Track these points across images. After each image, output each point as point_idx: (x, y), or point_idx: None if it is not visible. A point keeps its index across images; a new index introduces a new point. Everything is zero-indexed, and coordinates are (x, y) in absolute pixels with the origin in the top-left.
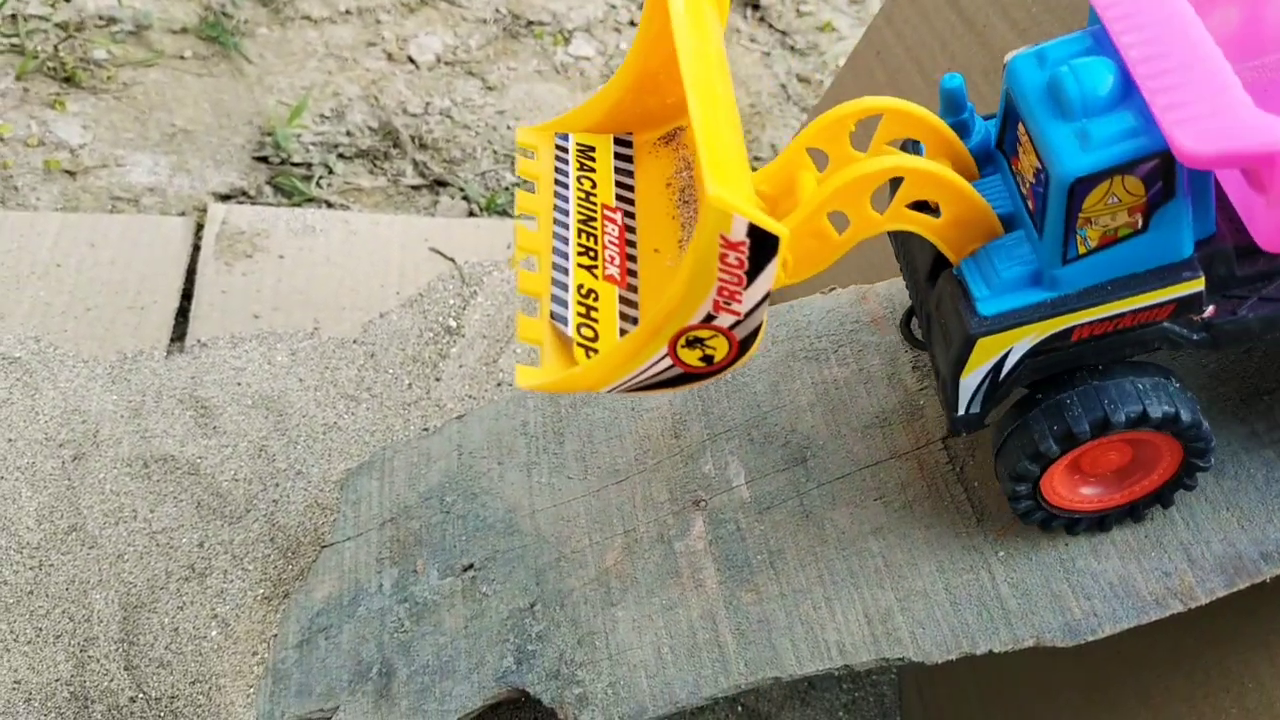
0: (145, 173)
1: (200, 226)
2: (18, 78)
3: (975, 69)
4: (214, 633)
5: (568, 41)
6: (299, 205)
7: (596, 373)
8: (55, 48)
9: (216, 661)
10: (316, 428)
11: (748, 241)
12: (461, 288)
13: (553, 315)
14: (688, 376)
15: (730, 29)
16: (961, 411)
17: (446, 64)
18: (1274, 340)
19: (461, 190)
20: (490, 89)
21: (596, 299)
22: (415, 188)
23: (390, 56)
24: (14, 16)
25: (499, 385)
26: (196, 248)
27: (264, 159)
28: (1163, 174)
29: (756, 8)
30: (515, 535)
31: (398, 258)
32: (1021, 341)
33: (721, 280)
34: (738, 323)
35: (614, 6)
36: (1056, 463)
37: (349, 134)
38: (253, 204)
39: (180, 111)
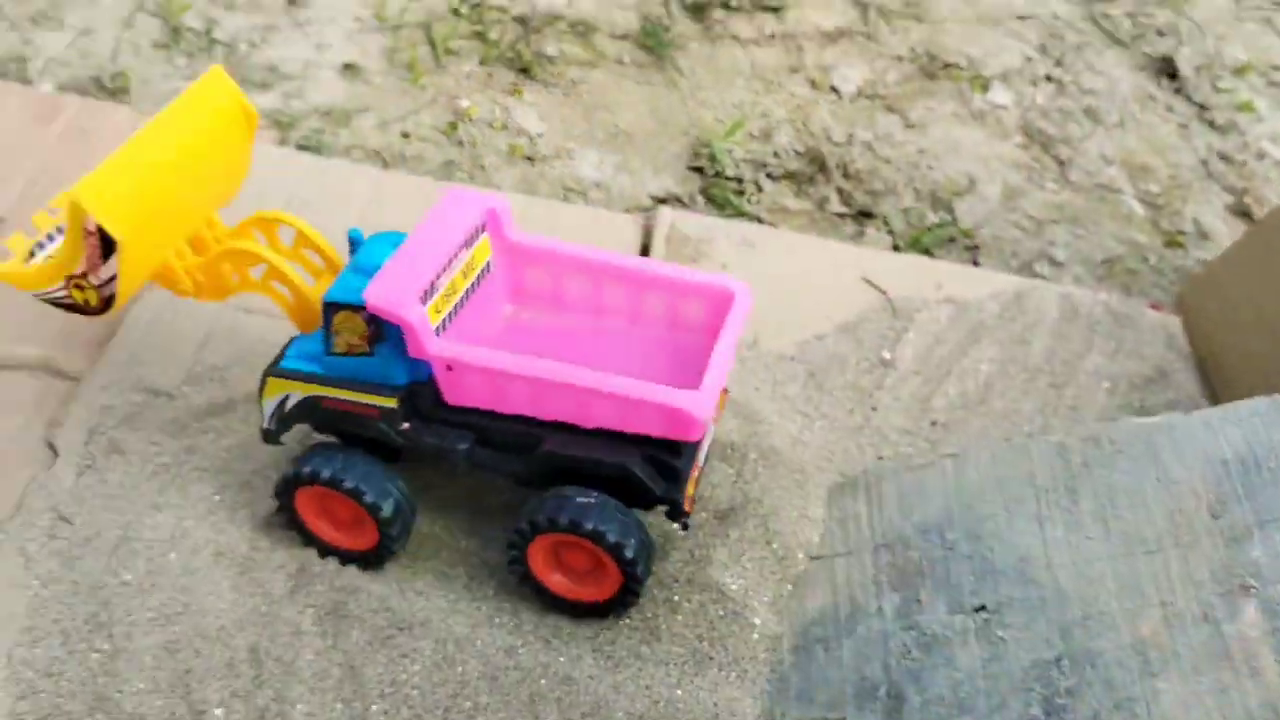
0: (592, 167)
1: (649, 226)
2: (481, 63)
3: None
4: (719, 623)
5: (985, 89)
6: (730, 217)
7: (28, 278)
8: (514, 41)
9: (728, 649)
10: (784, 439)
11: (97, 233)
12: (893, 321)
13: (38, 244)
14: (78, 308)
15: (1144, 95)
16: (265, 425)
17: (867, 97)
18: (446, 462)
19: (886, 223)
20: (910, 126)
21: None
22: (840, 215)
23: (814, 84)
24: (477, 5)
25: (933, 425)
26: (645, 246)
27: (698, 169)
28: (376, 322)
29: (1173, 77)
30: (1031, 585)
31: (830, 282)
32: (295, 392)
33: (88, 252)
34: (101, 285)
35: (1030, 59)
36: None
37: (776, 155)
38: (693, 211)
39: (621, 114)
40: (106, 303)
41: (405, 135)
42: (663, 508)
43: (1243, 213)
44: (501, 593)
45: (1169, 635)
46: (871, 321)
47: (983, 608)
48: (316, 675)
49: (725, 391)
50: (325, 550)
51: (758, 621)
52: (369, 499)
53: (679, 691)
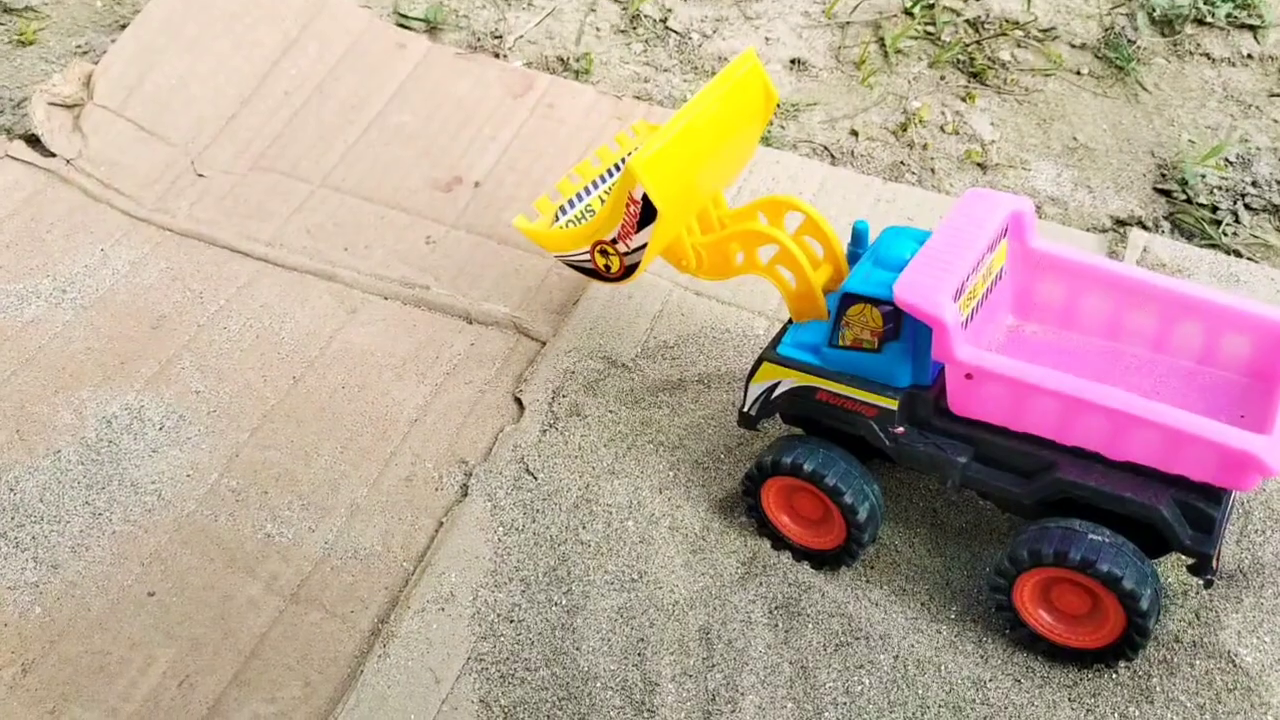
0: (1048, 181)
1: (1114, 246)
2: (931, 65)
3: None
4: (1226, 696)
5: None
6: (1203, 247)
7: (555, 240)
8: (966, 44)
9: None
10: None
11: (640, 203)
12: None
13: (561, 208)
14: (596, 274)
15: None
16: (746, 409)
17: None
18: (936, 473)
19: None
20: None
21: (586, 218)
22: None
23: None
24: (930, 6)
25: None
26: None
27: (1165, 192)
28: (894, 318)
29: None
30: None
31: None
32: (788, 380)
33: (625, 220)
34: (628, 253)
35: None
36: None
37: (1255, 185)
38: (1169, 238)
39: (1080, 127)
40: (628, 270)
41: (854, 133)
42: (1181, 559)
43: None
44: (965, 619)
45: None
46: None
47: None
48: (768, 669)
49: None
50: (780, 543)
51: (1274, 702)
52: (847, 499)
53: None
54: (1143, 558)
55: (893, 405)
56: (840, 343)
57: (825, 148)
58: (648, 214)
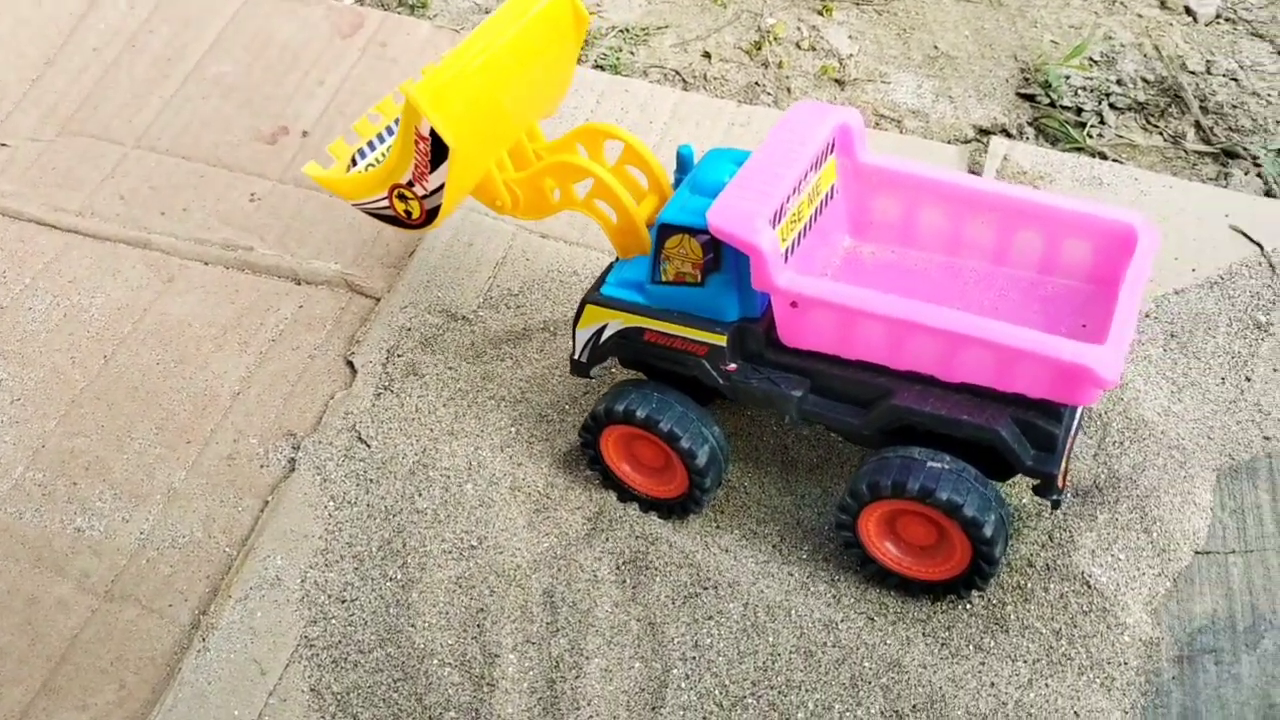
0: (909, 93)
1: (975, 157)
2: None
3: None
4: (1081, 619)
5: None
6: (1068, 152)
7: (349, 187)
8: None
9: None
10: (1154, 409)
11: (429, 139)
12: (1271, 279)
13: (360, 151)
14: (398, 220)
15: None
16: (576, 356)
17: (1228, 20)
18: (771, 411)
19: (1256, 165)
20: None
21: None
22: (1199, 154)
23: (1164, 4)
24: None
25: None
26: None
27: (1029, 97)
28: (714, 248)
29: None
30: None
31: (1192, 229)
32: (614, 321)
33: (417, 160)
34: (426, 195)
35: None
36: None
37: (1120, 83)
38: (1030, 143)
39: (941, 35)
40: (429, 215)
41: (706, 55)
42: (1023, 480)
43: None
44: (817, 558)
45: None
46: (1244, 277)
47: None
48: (614, 629)
49: None
50: (626, 495)
51: (1130, 621)
52: (684, 444)
53: (1030, 693)
54: (986, 483)
55: (721, 341)
56: (663, 278)
57: (677, 72)
58: (439, 151)
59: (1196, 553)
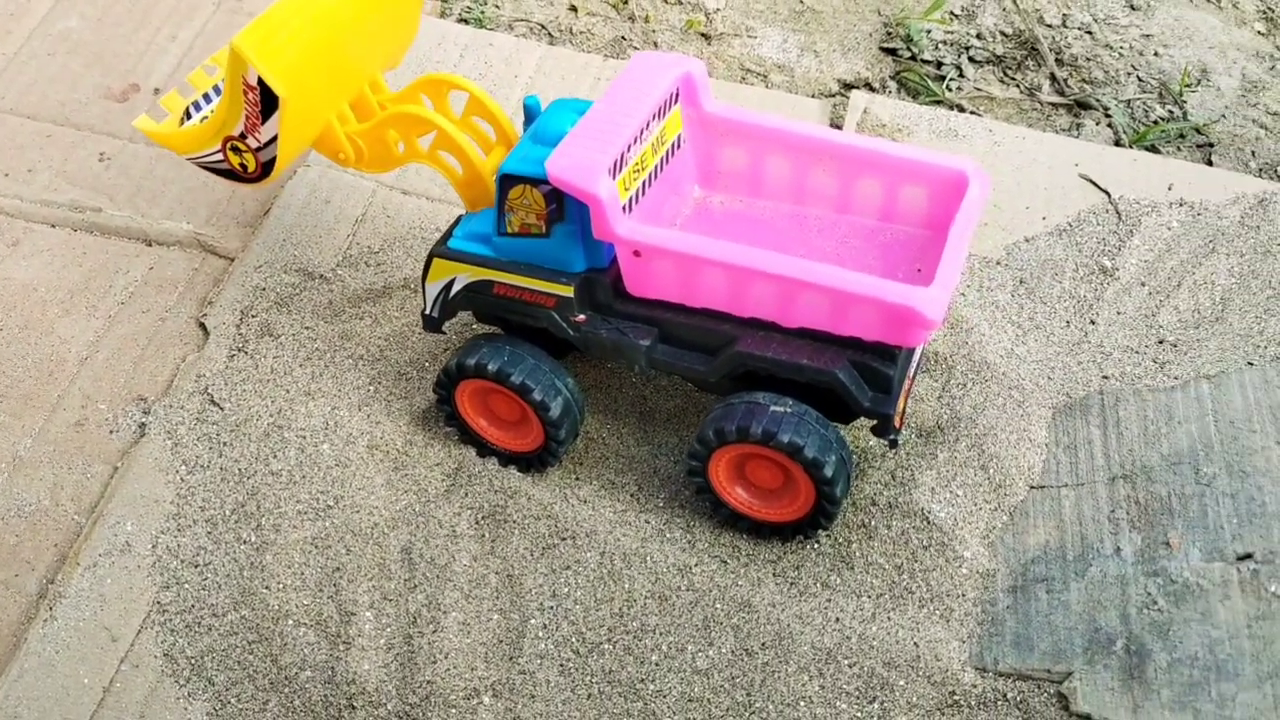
0: (774, 48)
1: (838, 111)
2: None
3: None
4: (922, 554)
5: None
6: (926, 105)
7: (181, 141)
8: None
9: (930, 584)
10: (996, 350)
11: (258, 89)
12: (1117, 225)
13: (195, 103)
14: (234, 174)
15: None
16: (427, 311)
17: None
18: (621, 361)
19: (1107, 116)
20: (1134, 9)
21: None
22: (1054, 105)
23: None
24: None
25: (1160, 344)
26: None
27: (891, 51)
28: (556, 198)
29: None
30: None
31: (1044, 179)
32: (462, 275)
33: (247, 111)
34: (260, 148)
35: None
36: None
37: (980, 37)
38: (890, 96)
39: None
40: (265, 168)
41: (573, 8)
42: (868, 422)
43: None
44: (674, 505)
45: None
46: (1091, 224)
47: (1249, 556)
48: (473, 582)
49: None
50: (485, 449)
51: (967, 555)
52: (536, 396)
53: (873, 627)
54: (827, 425)
55: (569, 292)
56: (508, 230)
57: (543, 26)
58: (269, 101)
59: (1032, 487)
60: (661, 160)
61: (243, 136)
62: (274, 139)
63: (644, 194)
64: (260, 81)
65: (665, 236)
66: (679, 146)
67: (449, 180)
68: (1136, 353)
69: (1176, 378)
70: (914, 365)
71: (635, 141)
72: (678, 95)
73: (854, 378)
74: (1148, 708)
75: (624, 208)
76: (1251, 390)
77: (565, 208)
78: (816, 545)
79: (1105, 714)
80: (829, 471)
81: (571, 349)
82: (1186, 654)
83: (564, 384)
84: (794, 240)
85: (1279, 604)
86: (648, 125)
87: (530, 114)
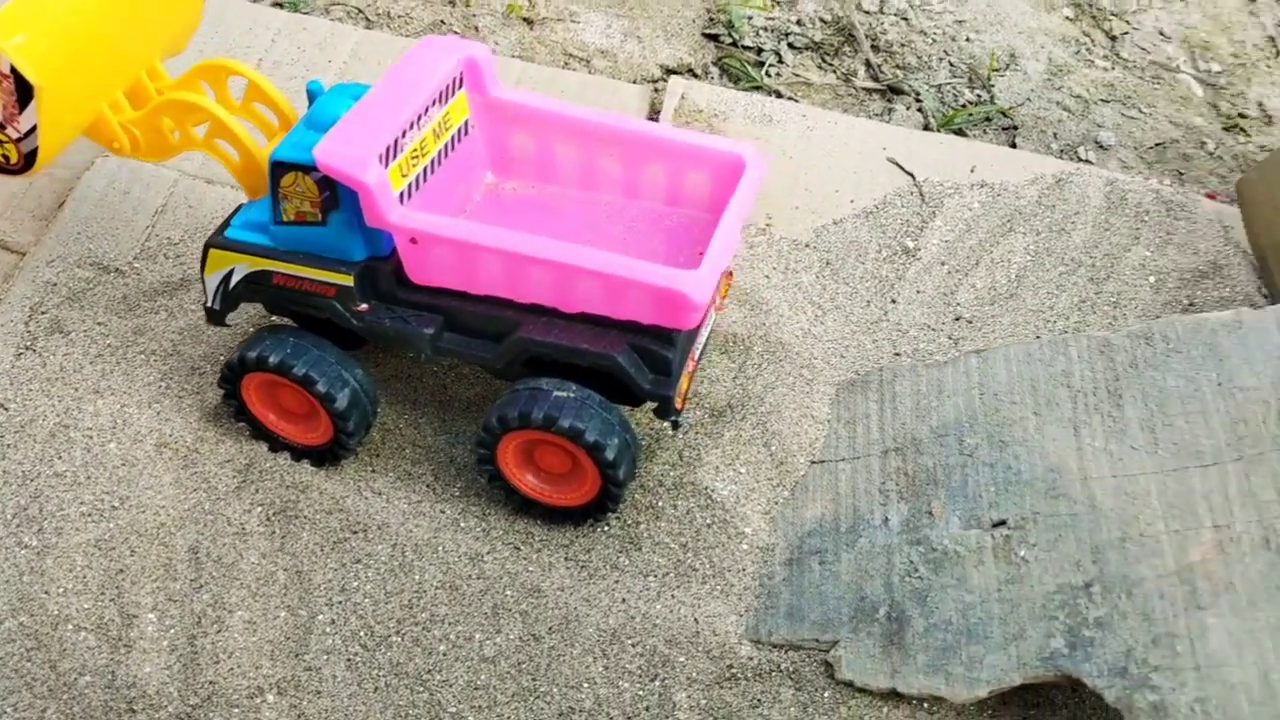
0: (598, 33)
1: (657, 97)
2: None
3: None
4: (705, 532)
5: None
6: (746, 91)
7: None
8: None
9: (713, 561)
10: (793, 331)
11: (11, 77)
12: (920, 207)
13: None
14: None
15: None
16: (209, 304)
17: None
18: (408, 348)
19: (917, 101)
20: None
21: None
22: (868, 91)
23: None
24: None
25: (957, 320)
26: (652, 118)
27: (714, 37)
28: (330, 185)
29: None
30: (1061, 500)
31: (853, 163)
32: (241, 265)
33: (3, 100)
34: (20, 139)
35: None
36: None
37: (800, 23)
38: (708, 82)
39: None
40: (27, 159)
41: None
42: (651, 404)
43: None
44: (470, 494)
45: (1223, 563)
46: (896, 207)
47: (1003, 523)
48: (260, 580)
49: (729, 276)
50: (277, 444)
51: (748, 531)
52: (321, 388)
53: (657, 605)
54: (611, 408)
55: (349, 281)
56: (284, 218)
57: (360, 10)
58: (25, 90)
59: (812, 462)
60: (446, 146)
61: (1, 127)
62: (34, 129)
63: (426, 180)
64: (13, 69)
65: (440, 224)
66: (467, 132)
67: (227, 168)
68: (933, 329)
69: (967, 352)
70: (699, 347)
71: (412, 127)
72: (461, 80)
73: (634, 361)
74: (904, 673)
75: (402, 195)
76: (1015, 364)
77: (340, 195)
78: (607, 528)
79: (866, 680)
80: (611, 455)
81: (365, 340)
82: (942, 619)
83: (352, 375)
84: (583, 225)
85: (1027, 568)
86: (426, 111)
87: (313, 99)
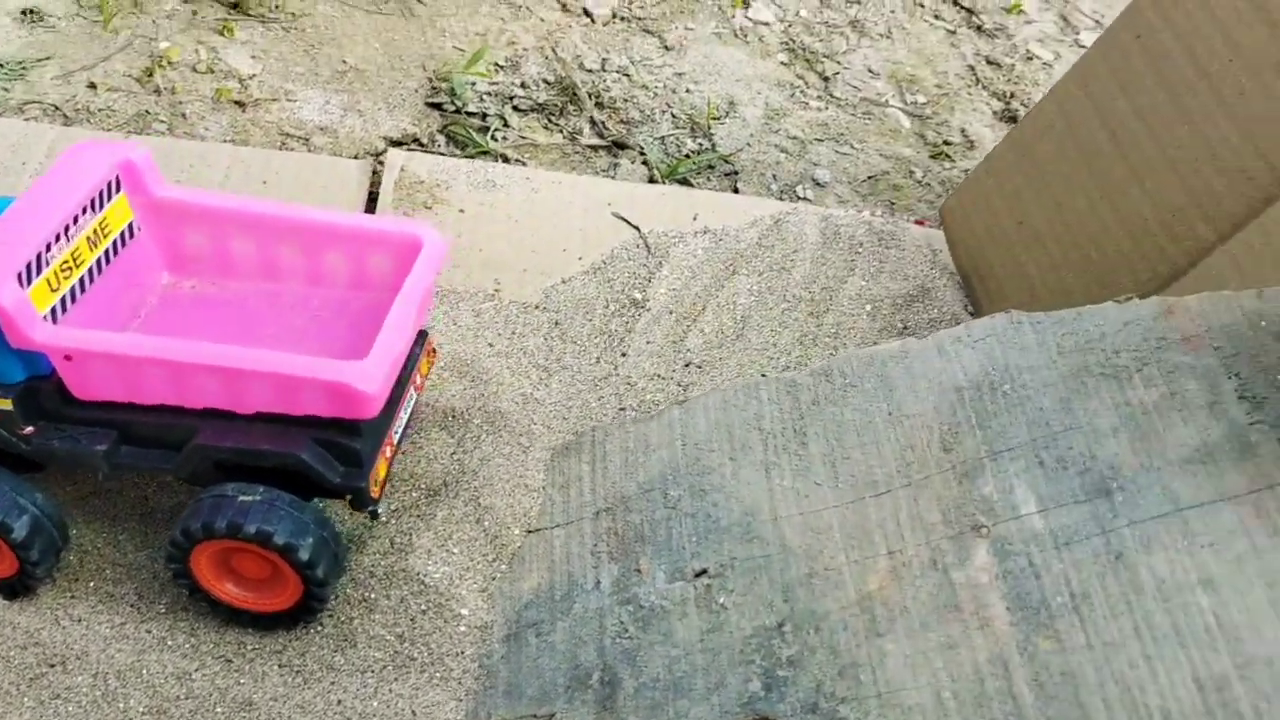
0: (316, 110)
1: (376, 171)
2: (185, 0)
3: (1267, 64)
4: (421, 618)
5: (746, 4)
6: (473, 157)
7: None
8: None
9: (431, 648)
10: (513, 398)
11: None
12: (647, 258)
13: None
14: None
15: (913, 3)
16: None
17: (622, 19)
18: (85, 468)
19: (641, 154)
20: (668, 49)
21: None
22: (593, 148)
23: (565, 7)
24: None
25: (687, 366)
26: (373, 194)
27: (437, 105)
28: None
29: None
30: (755, 542)
31: (579, 221)
32: None
33: None
34: None
35: None
36: None
37: (524, 86)
38: (429, 152)
39: (351, 49)
40: None
41: (92, 86)
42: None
43: (1010, 118)
44: (176, 610)
45: (898, 588)
46: (623, 260)
47: (704, 572)
48: None
49: (432, 352)
50: None
51: (465, 611)
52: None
53: (373, 703)
54: (303, 507)
55: (8, 405)
56: None
57: (57, 107)
58: None
59: (528, 532)
60: (107, 253)
61: None
62: None
63: (85, 291)
64: None
65: (93, 338)
66: (132, 236)
67: None
68: (663, 378)
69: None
70: (398, 430)
71: (59, 239)
72: (119, 183)
73: (320, 456)
74: None
75: (55, 310)
76: (713, 411)
77: None
78: (320, 628)
79: None
80: (305, 555)
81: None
82: (650, 677)
83: (31, 501)
84: (265, 319)
85: (726, 615)
86: (76, 220)
87: None
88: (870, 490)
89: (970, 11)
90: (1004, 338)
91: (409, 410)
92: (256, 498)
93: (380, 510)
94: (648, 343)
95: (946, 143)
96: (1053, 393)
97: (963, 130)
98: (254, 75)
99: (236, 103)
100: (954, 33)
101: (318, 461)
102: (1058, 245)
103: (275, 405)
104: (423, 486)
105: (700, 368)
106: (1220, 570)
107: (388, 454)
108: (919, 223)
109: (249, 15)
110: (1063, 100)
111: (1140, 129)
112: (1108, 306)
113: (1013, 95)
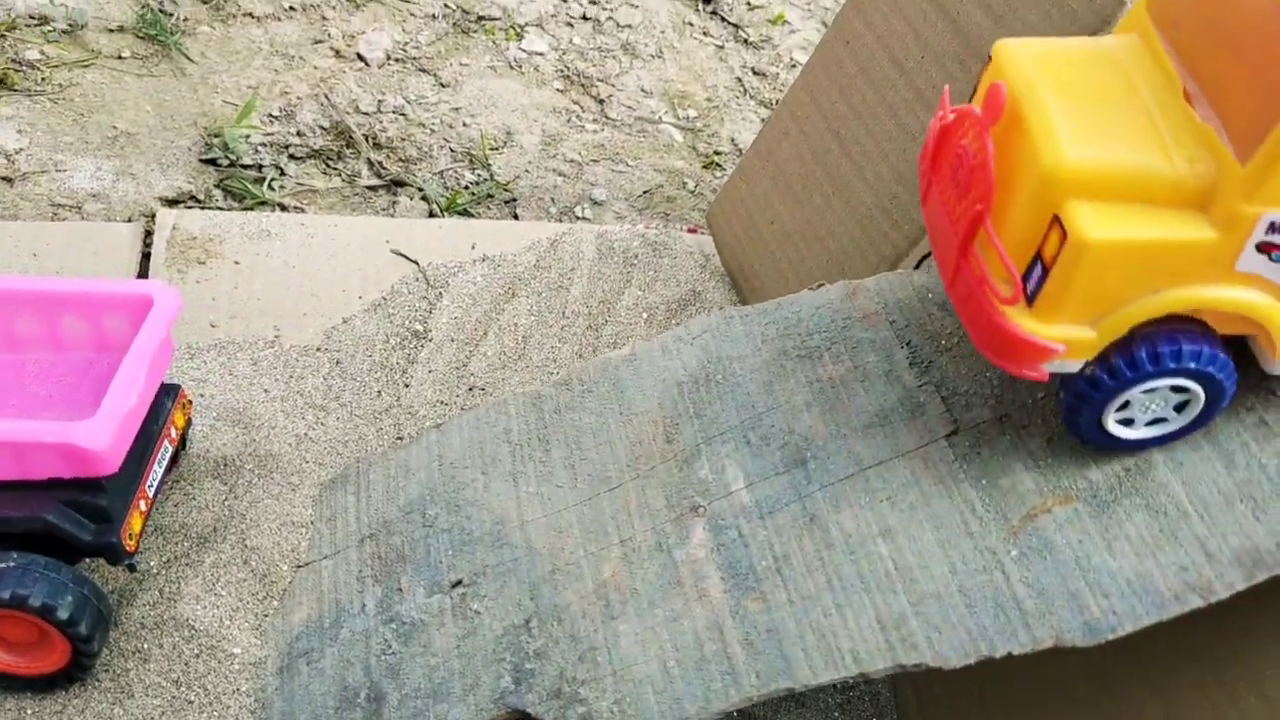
0: (87, 178)
1: (149, 233)
2: None
3: (949, 56)
4: (194, 662)
5: (520, 36)
6: (251, 209)
7: None
8: None
9: (207, 689)
10: (286, 440)
11: None
12: (427, 290)
13: None
14: None
15: (682, 22)
16: None
17: (397, 61)
18: None
19: (420, 190)
20: (444, 86)
21: None
22: (372, 188)
23: (338, 54)
24: None
25: (470, 390)
26: (146, 255)
27: (212, 161)
28: None
29: (708, 1)
30: (505, 548)
31: (358, 261)
32: None
33: None
34: None
35: (565, 0)
36: None
37: (300, 134)
38: (203, 209)
39: (121, 113)
40: None
41: None
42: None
43: None
44: None
45: (629, 573)
46: (404, 295)
47: (459, 583)
48: None
49: (188, 404)
50: None
51: (238, 650)
52: None
53: None
54: (60, 568)
55: None
56: None
57: None
58: None
59: (298, 567)
60: None
61: None
62: None
63: None
64: None
65: None
66: None
67: None
68: (445, 404)
69: (428, 428)
70: (152, 484)
71: None
72: None
73: (68, 516)
74: None
75: None
76: (468, 430)
77: None
78: (97, 683)
79: None
80: (64, 614)
81: None
82: (413, 687)
83: None
84: (11, 390)
85: (479, 619)
86: None
87: None
88: (605, 486)
89: (737, 26)
90: (718, 332)
91: (163, 463)
92: (10, 564)
93: (137, 563)
94: (430, 371)
95: (717, 153)
96: (757, 378)
97: (732, 139)
98: (20, 149)
99: (3, 178)
100: (722, 47)
101: (65, 521)
102: (804, 240)
103: (13, 472)
104: (193, 535)
105: (484, 390)
106: (896, 520)
107: (142, 508)
108: (692, 230)
109: (14, 90)
110: (794, 107)
111: (858, 126)
112: (804, 294)
113: (778, 103)
